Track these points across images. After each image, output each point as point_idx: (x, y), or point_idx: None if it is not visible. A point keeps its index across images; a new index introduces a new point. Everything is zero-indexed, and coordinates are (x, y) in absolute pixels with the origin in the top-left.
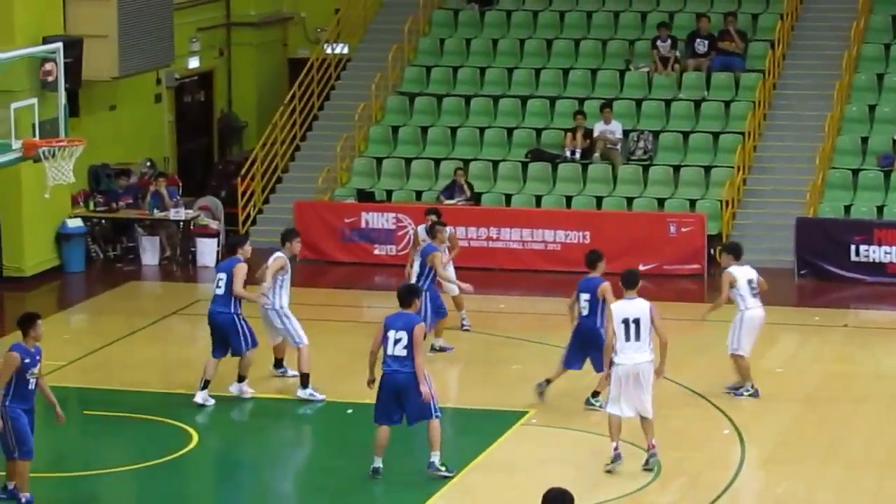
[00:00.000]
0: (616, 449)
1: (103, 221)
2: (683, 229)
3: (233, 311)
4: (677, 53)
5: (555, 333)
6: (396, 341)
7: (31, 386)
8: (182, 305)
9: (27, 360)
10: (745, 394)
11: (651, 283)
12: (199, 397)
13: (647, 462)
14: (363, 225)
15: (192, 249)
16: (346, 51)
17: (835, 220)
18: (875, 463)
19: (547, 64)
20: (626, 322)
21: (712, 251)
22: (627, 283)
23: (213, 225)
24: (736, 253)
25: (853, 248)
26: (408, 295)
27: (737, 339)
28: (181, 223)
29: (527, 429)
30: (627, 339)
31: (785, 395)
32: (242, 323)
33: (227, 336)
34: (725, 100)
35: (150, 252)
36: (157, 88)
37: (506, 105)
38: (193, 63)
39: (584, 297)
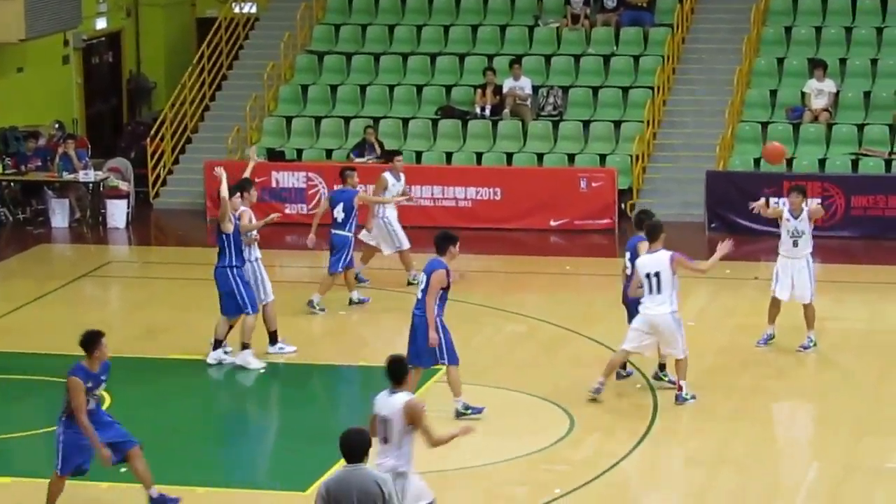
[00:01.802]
0: (601, 383)
1: (12, 184)
2: (594, 184)
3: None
4: (587, 10)
5: (468, 290)
6: (420, 283)
7: (91, 406)
8: (93, 267)
9: (89, 384)
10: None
11: (563, 238)
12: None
13: (676, 398)
14: (273, 184)
15: (102, 211)
16: (254, 10)
17: (745, 174)
18: (785, 416)
19: (456, 21)
20: (648, 276)
21: (623, 206)
22: (650, 234)
23: (123, 186)
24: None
25: (763, 200)
26: (442, 241)
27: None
28: (91, 185)
29: (439, 386)
30: (650, 291)
31: (697, 348)
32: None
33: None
34: (634, 54)
35: (59, 214)
36: (64, 50)
37: (415, 62)
38: (101, 24)
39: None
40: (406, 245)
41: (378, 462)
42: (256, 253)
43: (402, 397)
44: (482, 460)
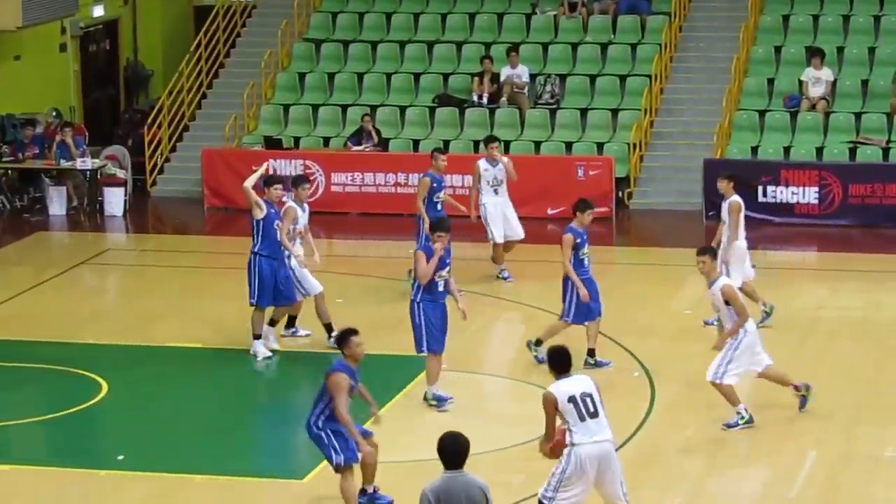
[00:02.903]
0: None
1: (9, 172)
2: (591, 173)
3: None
4: None
5: (465, 279)
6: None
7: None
8: (90, 255)
9: (352, 384)
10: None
11: (560, 226)
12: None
13: None
14: (270, 172)
15: (100, 199)
16: None
17: (742, 162)
18: (784, 404)
19: (453, 9)
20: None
21: (620, 194)
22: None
23: (121, 174)
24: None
25: (760, 189)
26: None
27: None
28: (88, 173)
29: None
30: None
31: (693, 337)
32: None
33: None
34: (632, 43)
35: (57, 202)
36: (61, 38)
37: (412, 50)
38: (98, 12)
39: None
40: (499, 239)
41: (603, 438)
42: (298, 249)
43: (583, 376)
44: (481, 448)
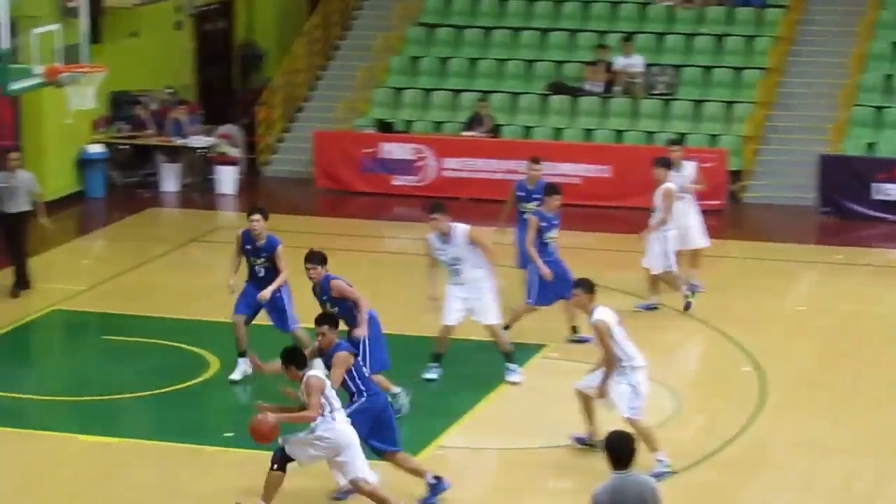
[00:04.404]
0: None
1: (124, 148)
2: (705, 165)
3: None
4: None
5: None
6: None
7: None
8: (201, 233)
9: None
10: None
11: None
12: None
13: None
14: (382, 155)
15: (212, 177)
16: None
17: (858, 158)
18: None
19: None
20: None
21: (734, 187)
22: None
23: (233, 153)
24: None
25: (875, 186)
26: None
27: None
28: (201, 150)
29: (545, 362)
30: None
31: (807, 333)
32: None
33: None
34: (749, 34)
35: (169, 179)
36: (177, 16)
37: (527, 37)
38: None
39: None
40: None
41: None
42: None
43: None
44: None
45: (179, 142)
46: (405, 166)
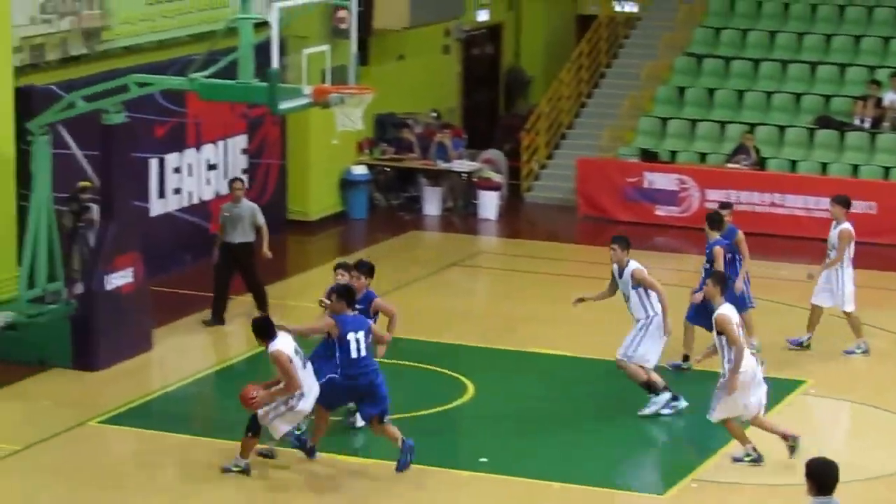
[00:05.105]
0: None
1: (388, 170)
2: None
3: None
4: None
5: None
6: None
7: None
8: (461, 257)
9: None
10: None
11: None
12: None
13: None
14: (646, 185)
15: (474, 202)
16: (635, 9)
17: None
18: None
19: (838, 30)
20: None
21: None
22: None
23: (497, 178)
24: None
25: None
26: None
27: None
28: (464, 175)
29: (804, 398)
30: None
31: None
32: None
33: None
34: None
35: (432, 202)
36: (445, 40)
37: (795, 70)
38: (483, 16)
39: None
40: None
41: None
42: None
43: None
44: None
45: (443, 165)
46: (668, 196)
